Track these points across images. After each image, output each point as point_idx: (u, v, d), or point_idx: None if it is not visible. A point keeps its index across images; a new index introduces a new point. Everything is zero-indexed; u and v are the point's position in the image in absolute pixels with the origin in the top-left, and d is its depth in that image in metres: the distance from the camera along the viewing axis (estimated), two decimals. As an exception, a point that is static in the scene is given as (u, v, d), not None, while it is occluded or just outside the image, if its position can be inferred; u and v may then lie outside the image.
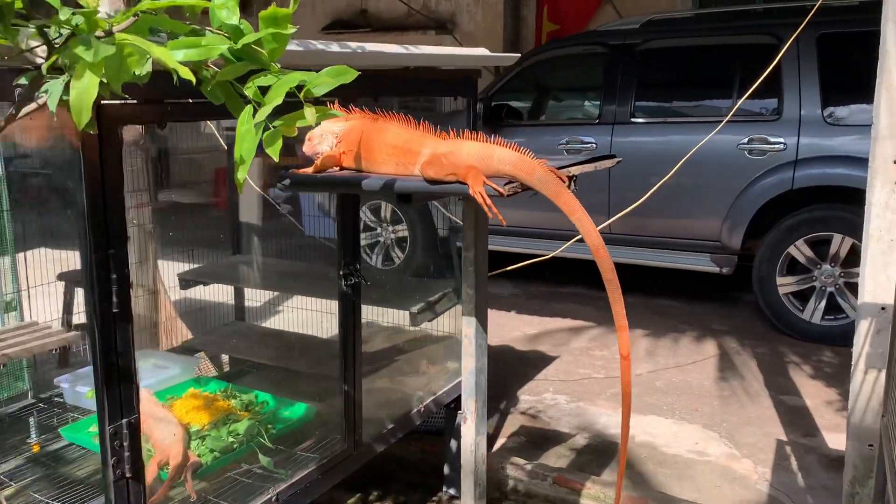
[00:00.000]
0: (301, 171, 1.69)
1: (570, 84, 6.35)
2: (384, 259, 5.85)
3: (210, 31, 1.19)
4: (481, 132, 1.57)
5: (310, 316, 3.44)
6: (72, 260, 4.21)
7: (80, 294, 4.28)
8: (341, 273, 2.19)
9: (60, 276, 4.33)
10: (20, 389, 2.84)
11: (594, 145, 5.39)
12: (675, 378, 4.28)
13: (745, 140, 4.88)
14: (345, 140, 1.72)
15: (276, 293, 4.10)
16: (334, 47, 1.95)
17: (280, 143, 1.15)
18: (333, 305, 2.36)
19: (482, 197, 1.45)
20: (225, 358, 3.28)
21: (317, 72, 1.17)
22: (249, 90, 1.19)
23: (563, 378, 4.28)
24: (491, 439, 3.59)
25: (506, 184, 1.46)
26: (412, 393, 2.80)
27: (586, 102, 6.02)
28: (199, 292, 3.73)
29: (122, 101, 1.53)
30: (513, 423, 3.76)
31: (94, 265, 1.51)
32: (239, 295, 3.49)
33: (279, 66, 1.21)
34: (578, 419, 3.78)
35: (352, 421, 2.35)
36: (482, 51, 2.70)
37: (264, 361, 3.07)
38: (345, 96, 1.98)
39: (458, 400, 3.05)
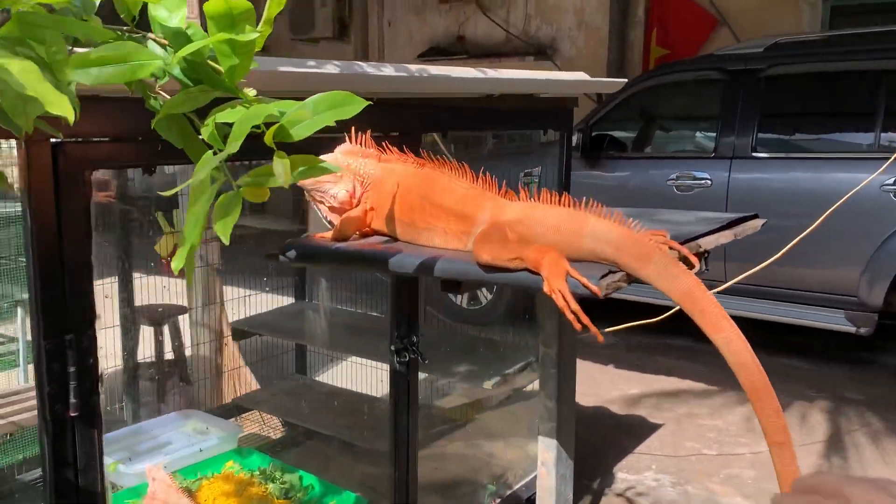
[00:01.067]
0: (318, 235, 1.28)
1: (681, 113, 5.76)
2: (470, 297, 5.41)
3: (153, 39, 0.79)
4: (566, 193, 1.08)
5: (381, 373, 3.05)
6: (145, 293, 3.99)
7: (147, 333, 4.07)
8: (393, 348, 1.76)
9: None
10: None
11: (709, 182, 4.80)
12: (803, 460, 3.61)
13: (892, 181, 4.18)
14: (375, 190, 1.28)
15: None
16: (387, 70, 1.53)
17: (236, 215, 0.73)
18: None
19: (564, 299, 0.95)
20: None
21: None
22: (206, 129, 0.78)
23: (667, 452, 3.70)
24: (580, 528, 3.06)
25: (603, 276, 0.94)
26: (481, 485, 2.32)
27: (699, 133, 5.43)
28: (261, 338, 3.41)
29: (87, 140, 1.15)
30: (606, 509, 3.22)
31: (43, 355, 1.13)
32: (301, 344, 3.13)
33: (254, 92, 0.80)
34: (685, 508, 3.20)
35: (405, 528, 1.90)
36: (581, 75, 2.24)
37: (318, 429, 2.67)
38: (401, 131, 1.54)
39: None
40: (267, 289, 3.65)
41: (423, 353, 1.76)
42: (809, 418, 4.06)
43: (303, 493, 2.25)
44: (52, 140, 1.12)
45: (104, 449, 2.40)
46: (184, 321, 4.04)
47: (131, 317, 4.03)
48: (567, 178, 2.43)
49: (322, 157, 1.32)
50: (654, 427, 3.99)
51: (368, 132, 1.29)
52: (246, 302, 3.82)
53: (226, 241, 0.71)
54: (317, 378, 3.42)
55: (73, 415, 1.18)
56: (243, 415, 3.00)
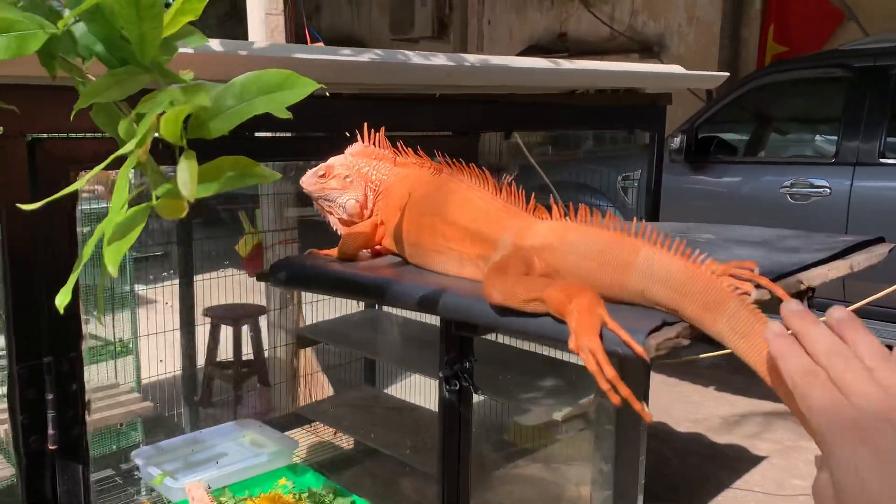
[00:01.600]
0: (323, 252, 1.09)
1: (798, 114, 5.28)
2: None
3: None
4: (611, 213, 0.83)
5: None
6: (219, 293, 3.96)
7: (227, 333, 4.04)
8: (442, 375, 1.55)
9: (207, 311, 4.10)
10: (109, 450, 2.49)
11: (827, 190, 4.34)
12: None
13: None
14: (386, 201, 1.07)
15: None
16: (438, 59, 1.33)
17: (133, 237, 0.54)
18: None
19: (596, 361, 0.69)
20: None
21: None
22: (123, 123, 0.61)
23: (770, 490, 3.32)
24: (666, 572, 2.77)
25: (654, 329, 0.66)
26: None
27: (819, 137, 4.94)
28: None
29: (71, 136, 1.01)
30: (697, 551, 2.90)
31: (16, 382, 0.99)
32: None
33: (192, 76, 0.61)
34: (789, 557, 2.85)
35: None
36: (675, 68, 1.96)
37: (380, 448, 2.51)
38: (455, 130, 1.33)
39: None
40: (341, 294, 3.53)
41: (475, 383, 1.55)
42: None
43: (353, 522, 2.08)
44: (30, 136, 0.99)
45: (157, 458, 2.33)
46: (263, 322, 3.99)
47: (210, 316, 4.01)
48: (658, 185, 2.16)
49: (331, 159, 1.13)
50: (756, 460, 3.61)
51: (382, 129, 1.10)
52: (325, 305, 3.72)
53: (113, 273, 0.53)
54: (386, 391, 3.27)
55: (52, 448, 1.04)
56: (308, 424, 2.87)
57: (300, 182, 1.14)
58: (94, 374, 2.74)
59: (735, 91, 5.02)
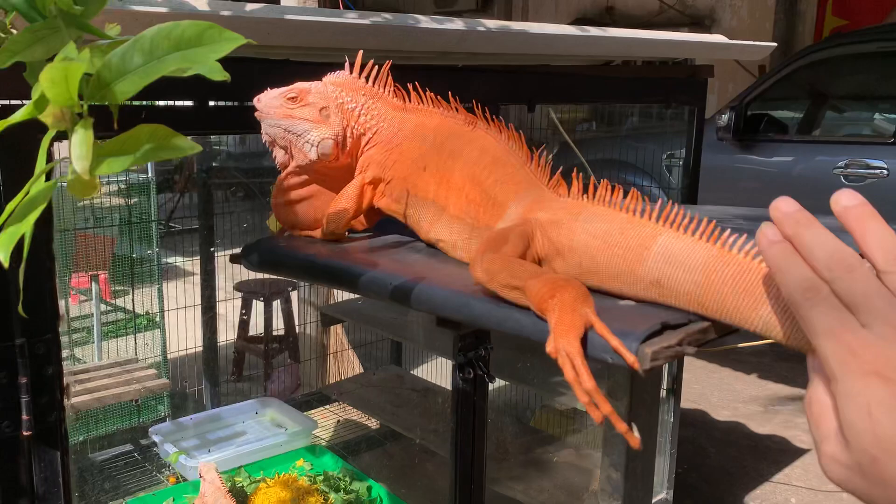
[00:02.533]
0: (303, 233, 0.98)
1: (855, 91, 5.01)
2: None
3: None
4: (634, 190, 0.69)
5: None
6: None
7: (258, 308, 4.01)
8: (455, 363, 1.47)
9: (238, 286, 4.08)
10: (129, 423, 2.48)
11: (885, 171, 4.12)
12: None
13: None
14: (391, 151, 0.90)
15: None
16: (450, 24, 1.22)
17: (31, 220, 0.47)
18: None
19: (573, 368, 0.59)
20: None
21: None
22: (34, 89, 0.53)
23: (812, 485, 3.18)
24: (698, 567, 2.66)
25: (651, 335, 0.54)
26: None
27: (877, 115, 4.69)
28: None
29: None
30: (732, 547, 2.79)
31: (-15, 364, 0.94)
32: (397, 334, 2.90)
33: (118, 30, 0.54)
34: (830, 556, 2.71)
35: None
36: (718, 38, 1.82)
37: (402, 431, 2.45)
38: (484, 100, 1.21)
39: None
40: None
41: (492, 365, 1.46)
42: None
43: (368, 508, 2.02)
44: (-4, 102, 0.92)
45: (175, 435, 2.30)
46: (295, 298, 3.96)
47: (242, 290, 3.99)
48: (696, 164, 2.02)
49: (305, 83, 0.93)
50: (799, 452, 3.46)
51: (389, 62, 0.92)
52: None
53: (5, 262, 0.45)
54: (413, 371, 3.20)
55: (26, 434, 0.99)
56: (331, 404, 2.83)
57: (255, 100, 0.92)
58: (118, 348, 2.73)
59: (788, 66, 4.78)
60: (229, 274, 3.83)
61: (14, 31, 0.60)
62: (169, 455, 2.16)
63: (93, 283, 2.52)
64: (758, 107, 4.87)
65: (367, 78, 0.95)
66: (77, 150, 0.43)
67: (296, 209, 0.98)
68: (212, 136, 3.15)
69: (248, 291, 4.01)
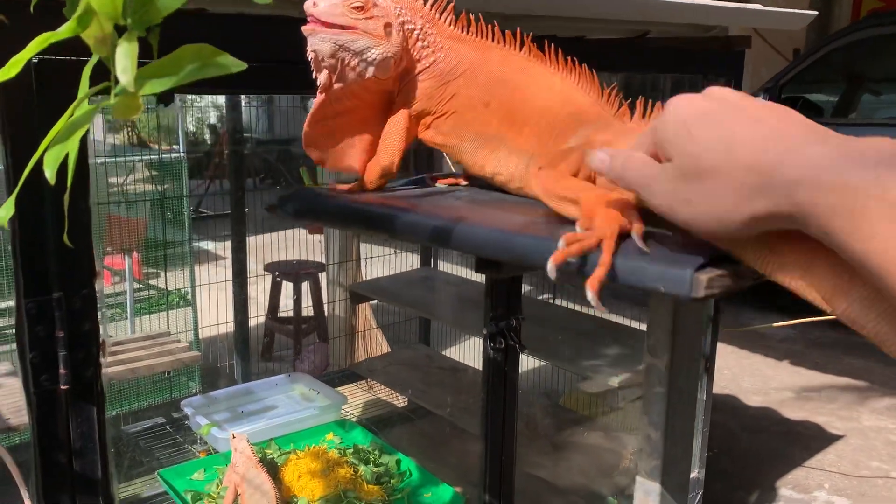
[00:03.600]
0: (340, 187, 0.96)
1: (894, 73, 4.90)
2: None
3: None
4: None
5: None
6: (286, 248, 3.96)
7: (287, 288, 4.04)
8: (486, 332, 1.46)
9: (268, 267, 4.11)
10: (161, 398, 2.51)
11: (924, 154, 4.01)
12: None
13: None
14: (439, 81, 0.86)
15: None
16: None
17: (72, 144, 0.47)
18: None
19: (596, 243, 0.56)
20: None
21: None
22: (67, 8, 0.53)
23: (846, 471, 3.13)
24: (728, 550, 2.64)
25: (702, 265, 0.50)
26: (602, 497, 1.99)
27: (917, 97, 4.58)
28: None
29: (81, 57, 0.94)
30: (763, 530, 2.76)
31: (24, 318, 0.95)
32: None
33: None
34: (864, 542, 2.67)
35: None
36: (756, 6, 1.78)
37: (431, 408, 2.45)
38: None
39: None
40: (398, 250, 3.47)
41: (522, 341, 1.45)
42: None
43: (397, 480, 2.02)
44: (34, 59, 0.93)
45: (206, 409, 2.32)
46: (323, 279, 3.98)
47: (270, 272, 4.02)
48: (732, 138, 1.98)
49: None
50: (832, 438, 3.41)
51: None
52: (382, 262, 3.67)
53: (51, 179, 0.45)
54: (441, 351, 3.20)
55: (63, 388, 1.00)
56: (362, 381, 2.84)
57: (309, 4, 0.82)
58: (151, 325, 2.77)
59: (824, 47, 4.69)
60: (259, 257, 3.85)
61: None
62: (200, 427, 2.18)
63: (126, 258, 2.54)
64: (792, 89, 4.79)
65: (426, 1, 0.89)
66: (122, 62, 0.42)
67: (329, 138, 0.92)
68: (242, 125, 3.17)
69: (277, 272, 4.03)
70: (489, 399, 1.52)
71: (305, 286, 3.98)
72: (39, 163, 0.88)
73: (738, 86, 1.95)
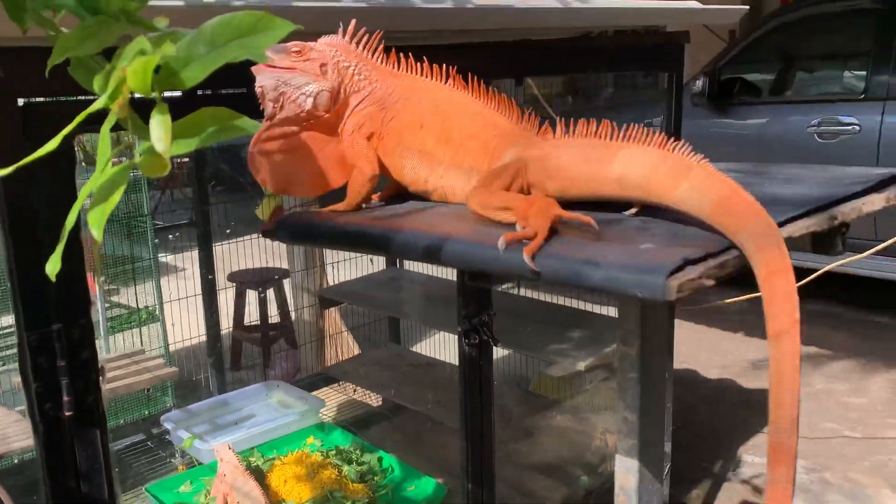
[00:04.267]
0: (330, 209, 1.04)
1: (825, 51, 5.10)
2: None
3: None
4: (606, 121, 0.88)
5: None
6: (246, 257, 3.97)
7: (252, 297, 4.05)
8: (460, 330, 1.54)
9: (231, 277, 4.11)
10: (139, 415, 2.53)
11: (857, 128, 4.22)
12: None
13: None
14: (387, 110, 0.99)
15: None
16: (440, 3, 1.28)
17: (116, 199, 0.52)
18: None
19: (528, 234, 0.76)
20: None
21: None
22: (98, 79, 0.58)
23: (802, 434, 3.25)
24: (697, 517, 2.77)
25: (675, 270, 0.62)
26: (579, 474, 2.09)
27: (847, 73, 4.78)
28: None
29: (68, 98, 0.99)
30: (729, 497, 2.90)
31: (27, 350, 0.99)
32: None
33: (166, 23, 0.59)
34: (820, 499, 2.82)
35: (481, 527, 1.70)
36: (691, 3, 1.89)
37: (406, 404, 2.52)
38: (476, 76, 1.26)
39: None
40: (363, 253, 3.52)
41: (495, 336, 1.53)
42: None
43: (381, 476, 2.10)
44: (22, 100, 0.97)
45: (186, 422, 2.35)
46: (288, 285, 4.00)
47: (235, 281, 4.03)
48: (677, 129, 2.10)
49: (296, 43, 0.99)
50: (787, 404, 3.57)
51: (380, 32, 1.01)
52: (347, 266, 3.71)
53: (98, 237, 0.51)
54: (411, 348, 3.27)
55: (67, 414, 1.04)
56: (335, 384, 2.89)
57: (267, 51, 0.95)
58: (121, 342, 2.77)
59: (759, 30, 4.87)
60: (220, 266, 3.86)
61: (63, 31, 0.65)
62: (182, 441, 2.22)
63: (95, 280, 2.55)
64: (731, 71, 4.95)
65: (357, 44, 1.03)
66: (157, 132, 0.48)
67: (273, 161, 1.04)
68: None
69: (241, 282, 4.04)
70: (466, 393, 1.60)
71: (271, 293, 3.99)
72: (33, 207, 0.97)
73: (679, 78, 2.06)
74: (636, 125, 0.87)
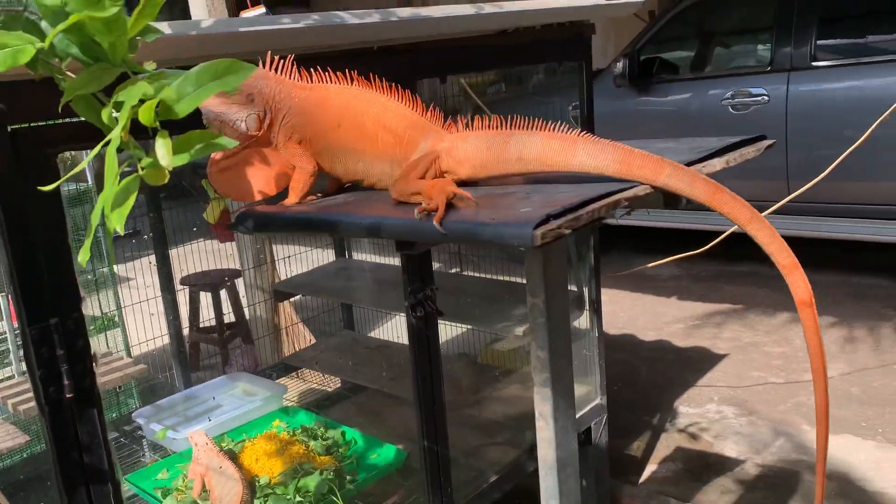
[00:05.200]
0: (282, 203, 1.23)
1: (734, 27, 5.42)
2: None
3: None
4: (496, 117, 1.09)
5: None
6: (195, 259, 4.08)
7: (207, 299, 4.17)
8: (407, 304, 1.73)
9: (184, 280, 4.22)
10: (110, 416, 2.66)
11: (766, 98, 4.53)
12: (877, 382, 3.46)
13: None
14: (306, 116, 1.19)
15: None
16: (370, 18, 1.46)
17: (131, 202, 0.69)
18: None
19: (429, 205, 0.98)
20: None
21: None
22: (105, 111, 0.75)
23: (731, 383, 3.59)
24: (639, 465, 3.02)
25: (540, 223, 0.83)
26: (525, 431, 2.30)
27: (755, 47, 5.11)
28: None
29: (49, 123, 1.14)
30: (667, 445, 3.16)
31: (30, 342, 1.15)
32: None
33: (154, 66, 0.76)
34: (750, 439, 3.11)
35: (437, 480, 1.90)
36: (593, 1, 2.10)
37: (364, 384, 2.70)
38: (393, 79, 1.46)
39: (588, 432, 2.52)
40: (316, 246, 3.68)
41: (439, 308, 1.73)
42: (887, 338, 3.87)
43: (345, 448, 2.28)
44: (10, 126, 1.12)
45: (157, 416, 2.49)
46: (240, 284, 4.13)
47: (186, 284, 4.13)
48: (590, 111, 2.32)
49: None
50: (717, 358, 3.88)
51: (292, 56, 1.20)
52: (296, 260, 3.86)
53: (121, 231, 0.68)
54: (367, 333, 3.45)
55: (68, 396, 1.20)
56: (294, 372, 3.05)
57: (201, 105, 1.10)
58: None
59: (672, 10, 5.15)
60: (173, 269, 3.96)
61: (70, 74, 0.82)
62: (155, 433, 2.36)
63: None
64: (650, 51, 5.23)
65: (275, 69, 1.22)
66: (161, 150, 0.66)
67: (228, 176, 1.27)
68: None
69: (193, 284, 4.15)
70: (417, 362, 1.79)
71: (224, 293, 4.11)
72: (28, 218, 1.17)
73: (588, 67, 2.28)
74: (522, 118, 1.07)
